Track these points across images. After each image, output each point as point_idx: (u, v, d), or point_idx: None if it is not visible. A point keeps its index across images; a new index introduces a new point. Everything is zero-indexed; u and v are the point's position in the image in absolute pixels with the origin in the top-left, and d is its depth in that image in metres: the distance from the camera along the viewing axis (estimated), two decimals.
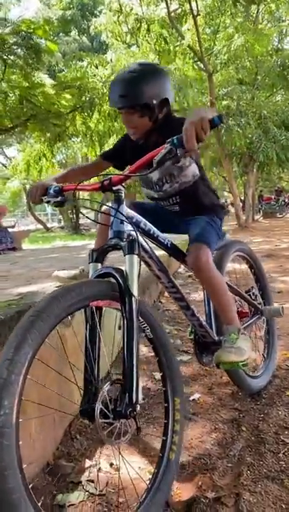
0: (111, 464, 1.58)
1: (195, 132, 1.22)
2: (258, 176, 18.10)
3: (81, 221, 16.98)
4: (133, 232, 1.39)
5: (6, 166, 22.39)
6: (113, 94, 1.54)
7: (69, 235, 14.97)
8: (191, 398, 2.09)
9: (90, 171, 1.86)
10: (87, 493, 1.43)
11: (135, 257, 1.32)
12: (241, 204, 16.34)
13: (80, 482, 1.48)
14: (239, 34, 10.83)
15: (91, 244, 6.52)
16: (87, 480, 1.49)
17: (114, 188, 1.40)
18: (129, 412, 1.19)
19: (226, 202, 24.95)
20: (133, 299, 1.26)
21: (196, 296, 3.90)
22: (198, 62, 12.16)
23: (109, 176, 1.40)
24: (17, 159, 15.82)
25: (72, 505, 1.38)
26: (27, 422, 1.37)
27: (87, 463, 1.59)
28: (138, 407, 1.21)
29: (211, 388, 2.21)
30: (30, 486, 0.95)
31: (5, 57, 8.96)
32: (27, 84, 9.11)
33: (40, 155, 12.79)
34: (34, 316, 1.04)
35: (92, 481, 1.48)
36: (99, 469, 1.54)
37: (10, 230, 9.25)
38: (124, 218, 1.40)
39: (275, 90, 14.36)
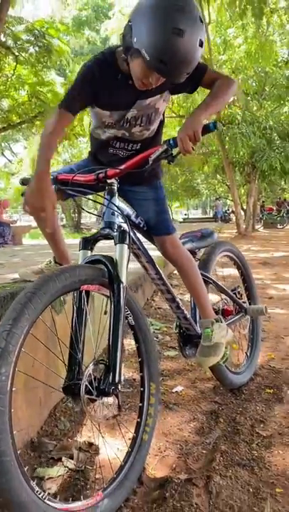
0: (90, 444, 1.65)
1: (188, 139, 1.36)
2: (259, 186, 18.17)
3: (82, 220, 17.08)
4: (124, 224, 1.48)
5: (11, 162, 22.49)
6: (178, 64, 1.28)
7: (70, 233, 15.06)
8: (174, 390, 2.17)
9: (56, 139, 1.52)
10: (66, 468, 1.50)
11: (125, 247, 1.40)
12: (243, 213, 16.42)
13: (60, 459, 1.56)
14: (245, 44, 11.02)
15: None
16: (67, 457, 1.56)
17: (108, 181, 1.48)
18: (112, 389, 1.26)
19: (228, 210, 25.07)
20: (122, 285, 1.34)
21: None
22: None
23: (105, 170, 1.47)
24: (22, 155, 15.90)
25: (51, 478, 1.45)
26: (14, 401, 1.44)
27: (69, 442, 1.66)
28: (120, 386, 1.29)
29: (194, 382, 2.28)
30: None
31: (17, 54, 9.11)
32: (36, 80, 9.23)
33: None
34: (31, 292, 1.11)
35: (72, 458, 1.55)
36: (79, 448, 1.61)
37: (12, 225, 9.36)
38: (116, 210, 1.49)
39: (282, 102, 14.47)
